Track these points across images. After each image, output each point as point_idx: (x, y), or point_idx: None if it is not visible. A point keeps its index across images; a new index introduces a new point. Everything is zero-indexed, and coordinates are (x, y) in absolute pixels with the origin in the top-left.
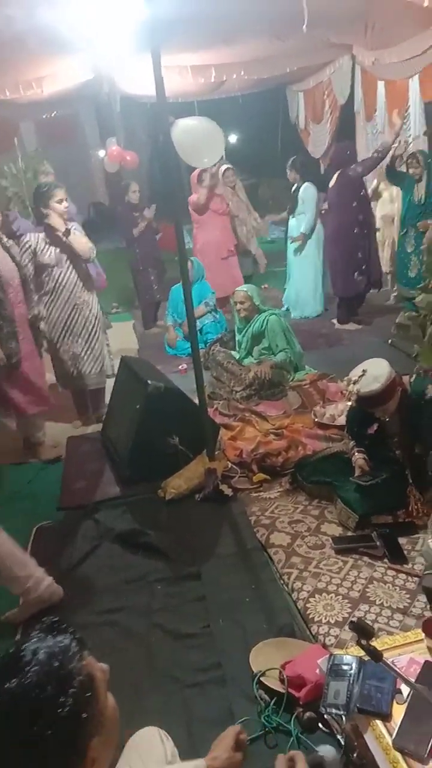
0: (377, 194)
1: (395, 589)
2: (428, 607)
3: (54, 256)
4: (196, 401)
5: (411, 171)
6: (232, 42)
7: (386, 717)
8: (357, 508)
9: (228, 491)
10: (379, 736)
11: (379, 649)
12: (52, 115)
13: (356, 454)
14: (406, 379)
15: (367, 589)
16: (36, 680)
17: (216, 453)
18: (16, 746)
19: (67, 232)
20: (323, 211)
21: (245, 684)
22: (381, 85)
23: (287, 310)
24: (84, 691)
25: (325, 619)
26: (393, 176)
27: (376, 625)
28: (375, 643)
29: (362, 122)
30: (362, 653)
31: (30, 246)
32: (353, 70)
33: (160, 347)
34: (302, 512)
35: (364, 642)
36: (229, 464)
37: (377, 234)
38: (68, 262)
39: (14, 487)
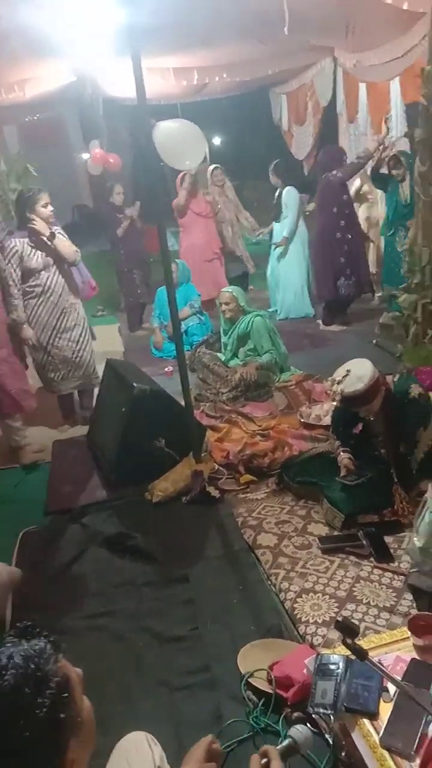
0: (361, 197)
1: (382, 588)
2: (414, 605)
3: (41, 260)
4: (183, 403)
5: (394, 173)
6: (214, 45)
7: (373, 715)
8: (343, 507)
9: (215, 493)
10: (366, 735)
11: (366, 647)
12: (35, 117)
13: (342, 453)
14: (389, 378)
15: (354, 588)
16: (13, 683)
17: (203, 455)
18: None
19: (52, 236)
20: (308, 213)
21: (234, 686)
22: (363, 87)
23: (275, 311)
24: (61, 692)
25: (313, 618)
26: (378, 180)
27: (362, 624)
28: (361, 642)
29: (345, 124)
30: (349, 652)
31: (17, 251)
32: (335, 72)
33: (146, 350)
34: (289, 513)
35: (349, 641)
36: (216, 466)
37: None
38: (55, 265)
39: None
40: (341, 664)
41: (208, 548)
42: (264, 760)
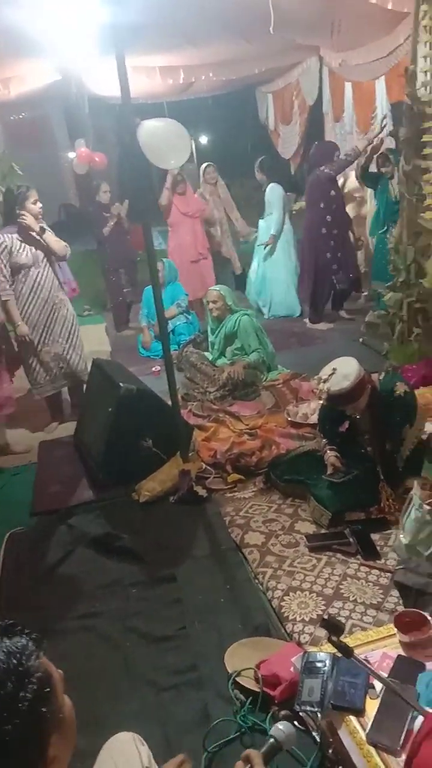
0: (348, 195)
1: (368, 585)
2: (401, 602)
3: (30, 255)
4: (170, 403)
5: (383, 170)
6: (199, 43)
7: (360, 712)
8: (330, 505)
9: (202, 492)
10: (353, 732)
11: (353, 644)
12: (21, 116)
13: (328, 452)
14: (375, 376)
15: (341, 586)
16: None
17: (190, 454)
18: None
19: (42, 230)
20: (294, 212)
21: (221, 685)
22: (349, 86)
23: (258, 310)
24: (43, 687)
25: (300, 617)
26: (368, 179)
27: (350, 622)
28: (348, 639)
29: (331, 123)
30: (336, 650)
31: (6, 246)
32: (321, 71)
33: (133, 349)
34: (276, 511)
35: (334, 638)
36: (204, 465)
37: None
38: (44, 261)
39: None
40: (328, 662)
41: (196, 548)
42: (248, 766)
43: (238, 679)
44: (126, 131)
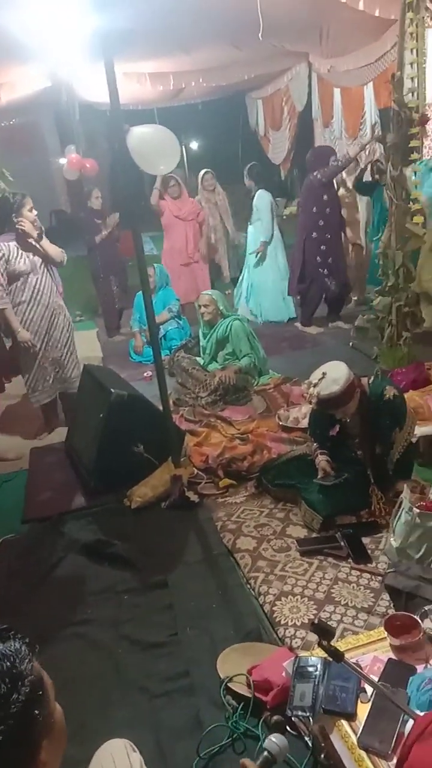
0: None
1: (360, 589)
2: (392, 605)
3: (27, 262)
4: (161, 408)
5: (377, 177)
6: (189, 50)
7: (351, 716)
8: (321, 509)
9: (194, 497)
10: (345, 736)
11: (344, 648)
12: (11, 122)
13: (319, 455)
14: (365, 380)
15: (332, 590)
16: None
17: (182, 459)
18: None
19: (40, 237)
20: (284, 217)
21: (213, 691)
22: (337, 92)
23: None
24: (35, 690)
25: (291, 621)
26: (363, 188)
27: (341, 626)
28: (339, 643)
29: (320, 128)
30: (327, 654)
31: (2, 254)
32: (310, 77)
33: (125, 355)
34: (268, 516)
35: (325, 643)
36: (195, 470)
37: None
38: (42, 267)
39: None
40: (319, 667)
41: (188, 553)
42: None
43: (230, 684)
44: (116, 138)
